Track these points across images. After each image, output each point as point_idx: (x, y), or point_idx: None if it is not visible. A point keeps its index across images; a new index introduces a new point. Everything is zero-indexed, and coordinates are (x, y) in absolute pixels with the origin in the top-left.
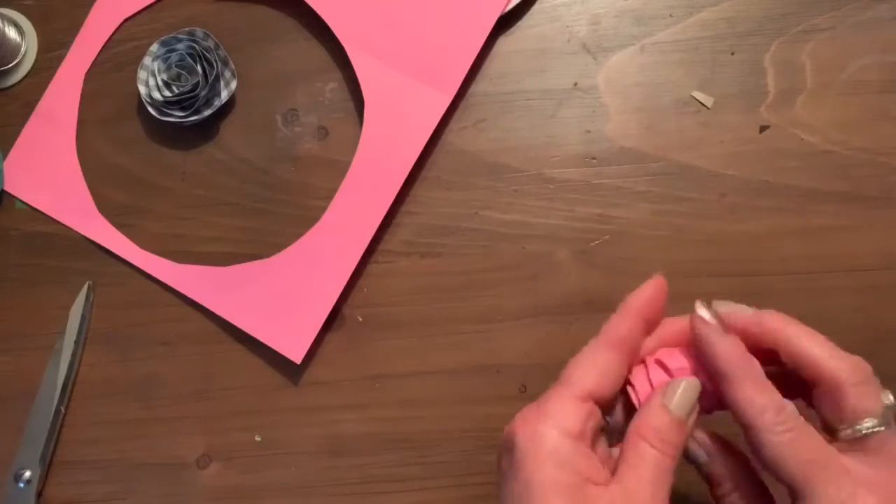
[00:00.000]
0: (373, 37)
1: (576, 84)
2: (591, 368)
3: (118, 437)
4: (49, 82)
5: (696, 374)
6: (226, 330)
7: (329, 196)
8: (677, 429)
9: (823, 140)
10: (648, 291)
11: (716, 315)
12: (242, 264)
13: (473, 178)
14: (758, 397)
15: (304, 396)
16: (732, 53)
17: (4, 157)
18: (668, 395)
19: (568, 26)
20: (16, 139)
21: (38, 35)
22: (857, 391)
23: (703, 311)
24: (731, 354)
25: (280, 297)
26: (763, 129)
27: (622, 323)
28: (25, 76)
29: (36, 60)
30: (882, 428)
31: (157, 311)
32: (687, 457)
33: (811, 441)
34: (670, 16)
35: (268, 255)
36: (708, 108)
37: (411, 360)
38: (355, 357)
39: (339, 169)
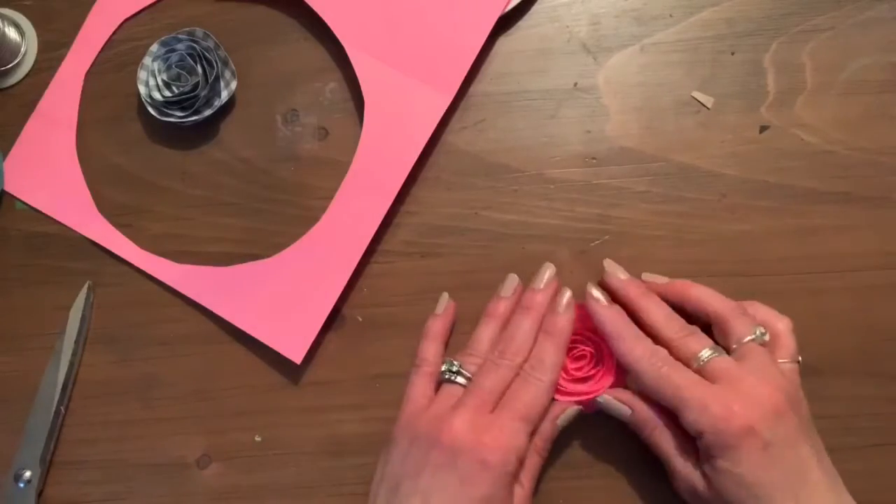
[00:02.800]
0: (373, 37)
1: (576, 84)
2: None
3: (118, 437)
4: (49, 82)
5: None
6: (226, 330)
7: (329, 196)
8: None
9: (823, 140)
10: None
11: (603, 293)
12: (242, 264)
13: (473, 178)
14: (636, 347)
15: (304, 396)
16: (732, 53)
17: (4, 157)
18: (562, 419)
19: (568, 26)
20: (16, 139)
21: (38, 35)
22: (736, 322)
23: (594, 291)
24: (614, 319)
25: (280, 297)
26: (763, 129)
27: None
28: (25, 76)
29: (36, 60)
30: (716, 354)
31: (157, 311)
32: (615, 415)
33: (678, 371)
34: (670, 16)
35: (268, 255)
36: (708, 108)
37: (411, 360)
38: (355, 357)
39: (339, 169)
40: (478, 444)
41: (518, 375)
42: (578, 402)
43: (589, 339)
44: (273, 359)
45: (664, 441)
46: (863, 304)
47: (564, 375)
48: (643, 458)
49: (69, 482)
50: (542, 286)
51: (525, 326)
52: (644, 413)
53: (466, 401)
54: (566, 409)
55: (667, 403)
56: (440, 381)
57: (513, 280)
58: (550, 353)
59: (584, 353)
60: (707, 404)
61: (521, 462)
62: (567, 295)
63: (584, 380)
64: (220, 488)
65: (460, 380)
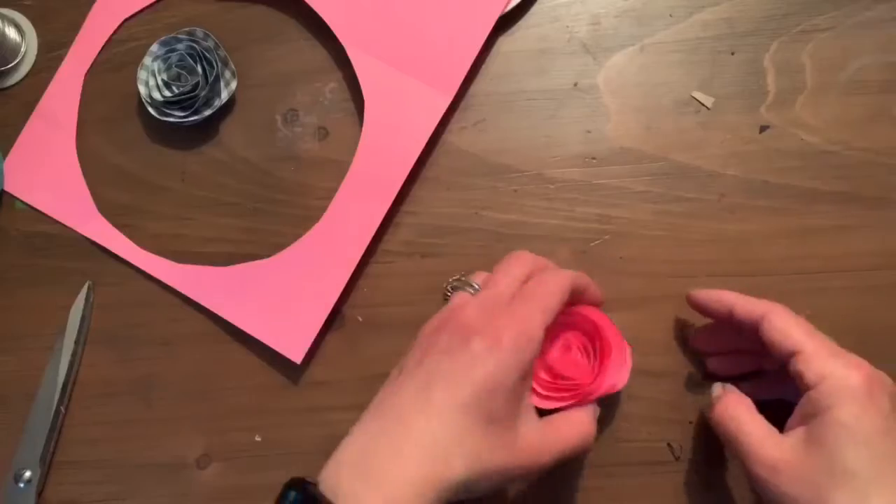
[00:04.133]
0: (373, 37)
1: (576, 84)
2: None
3: (118, 437)
4: (49, 82)
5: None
6: (226, 330)
7: (329, 196)
8: None
9: (823, 140)
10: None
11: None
12: (242, 264)
13: (473, 178)
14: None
15: (304, 396)
16: (732, 53)
17: (4, 157)
18: None
19: (568, 26)
20: (16, 139)
21: (38, 35)
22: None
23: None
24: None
25: (280, 297)
26: (763, 129)
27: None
28: (25, 76)
29: (36, 60)
30: None
31: (157, 311)
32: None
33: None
34: (670, 16)
35: (268, 255)
36: (708, 108)
37: None
38: (355, 357)
39: (339, 169)
40: (489, 325)
41: (530, 278)
42: (576, 401)
43: (579, 328)
44: (273, 359)
45: (746, 413)
46: (863, 304)
47: (547, 374)
48: (642, 458)
49: (69, 482)
50: None
51: (532, 255)
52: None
53: (479, 295)
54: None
55: (791, 347)
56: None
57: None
58: (567, 273)
59: (570, 343)
60: (834, 352)
61: (534, 353)
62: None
63: (572, 380)
64: (220, 488)
65: (469, 289)
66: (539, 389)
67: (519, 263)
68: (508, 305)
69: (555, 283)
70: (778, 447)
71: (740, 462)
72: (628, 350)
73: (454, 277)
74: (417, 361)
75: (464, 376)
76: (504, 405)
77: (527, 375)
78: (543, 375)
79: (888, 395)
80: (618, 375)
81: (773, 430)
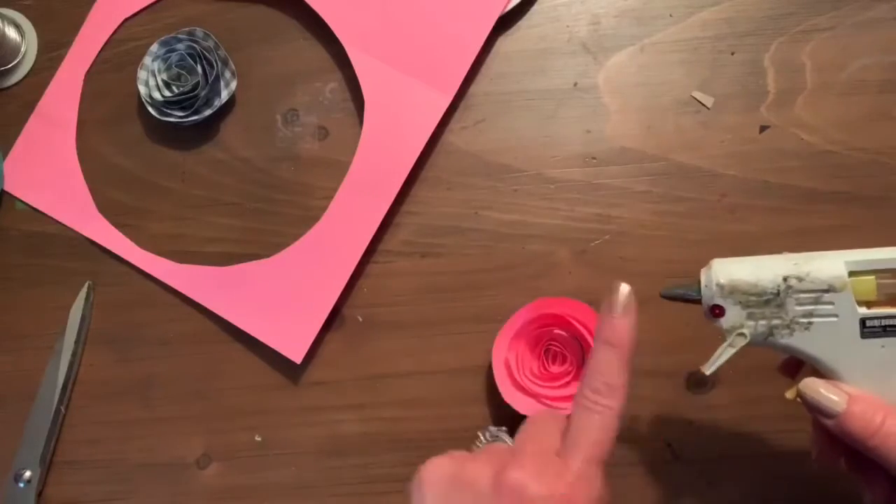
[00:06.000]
0: (373, 37)
1: (576, 84)
2: None
3: (118, 437)
4: (49, 82)
5: None
6: (226, 330)
7: (329, 196)
8: None
9: (823, 140)
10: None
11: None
12: (242, 264)
13: (473, 178)
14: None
15: (304, 396)
16: (732, 53)
17: (4, 157)
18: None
19: (568, 26)
20: (16, 139)
21: (38, 35)
22: None
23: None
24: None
25: (280, 297)
26: (763, 129)
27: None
28: (25, 76)
29: (36, 60)
30: None
31: (157, 311)
32: (818, 411)
33: None
34: (670, 16)
35: (268, 255)
36: (708, 108)
37: (411, 360)
38: (355, 357)
39: (339, 169)
40: (552, 497)
41: (578, 405)
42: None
43: (569, 334)
44: (273, 359)
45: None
46: None
47: (535, 375)
48: (642, 458)
49: (69, 482)
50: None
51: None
52: (867, 401)
53: (520, 448)
54: None
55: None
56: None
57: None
58: (615, 372)
59: (557, 350)
60: None
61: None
62: (626, 290)
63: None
64: (220, 488)
65: (506, 438)
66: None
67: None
68: (564, 459)
69: (607, 423)
70: None
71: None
72: None
73: (486, 429)
74: None
75: None
76: None
77: None
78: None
79: None
80: None
81: None
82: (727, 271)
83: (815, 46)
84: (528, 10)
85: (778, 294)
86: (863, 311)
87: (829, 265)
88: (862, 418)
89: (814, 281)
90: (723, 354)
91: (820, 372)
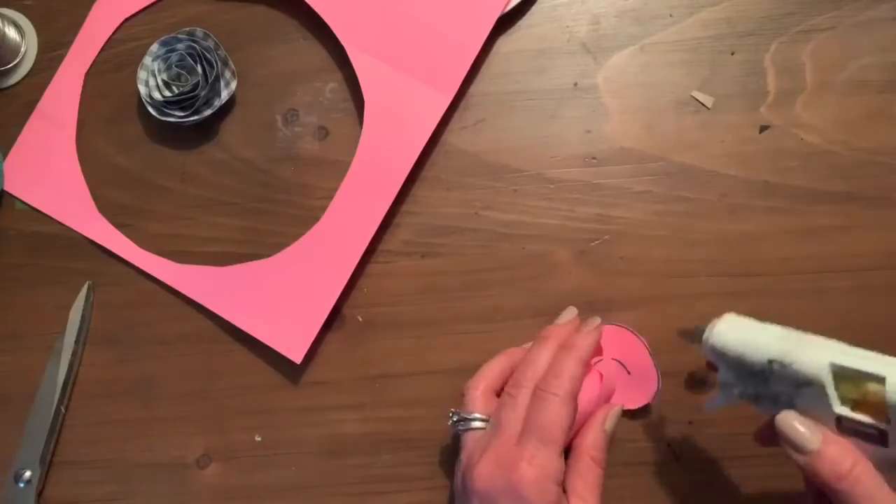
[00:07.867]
0: (373, 37)
1: (576, 84)
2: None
3: (118, 437)
4: (49, 82)
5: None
6: (226, 330)
7: (329, 196)
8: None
9: (823, 140)
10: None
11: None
12: (242, 264)
13: (473, 178)
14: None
15: (304, 396)
16: (732, 53)
17: (4, 157)
18: (609, 423)
19: (568, 26)
20: (16, 139)
21: (38, 35)
22: None
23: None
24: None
25: (280, 297)
26: (763, 129)
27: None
28: (25, 76)
29: (36, 60)
30: None
31: (157, 311)
32: (791, 447)
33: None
34: (670, 16)
35: (268, 255)
36: (708, 108)
37: (411, 360)
38: (355, 357)
39: (339, 169)
40: (508, 484)
41: (532, 396)
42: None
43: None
44: (273, 359)
45: (869, 478)
46: (863, 304)
47: None
48: (642, 458)
49: (69, 482)
50: (563, 322)
51: (542, 353)
52: (840, 444)
53: (489, 442)
54: (610, 412)
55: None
56: (456, 433)
57: (570, 312)
58: (567, 366)
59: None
60: None
61: (560, 484)
62: (596, 320)
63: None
64: (220, 488)
65: (476, 424)
66: None
67: (518, 389)
68: (519, 446)
69: (554, 409)
70: None
71: None
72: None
73: (455, 412)
74: None
75: None
76: None
77: (561, 502)
78: None
79: None
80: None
81: None
82: (723, 337)
83: (815, 46)
84: (527, 10)
85: (763, 371)
86: (840, 410)
87: (815, 360)
88: (833, 461)
89: (796, 372)
90: (718, 402)
91: None
